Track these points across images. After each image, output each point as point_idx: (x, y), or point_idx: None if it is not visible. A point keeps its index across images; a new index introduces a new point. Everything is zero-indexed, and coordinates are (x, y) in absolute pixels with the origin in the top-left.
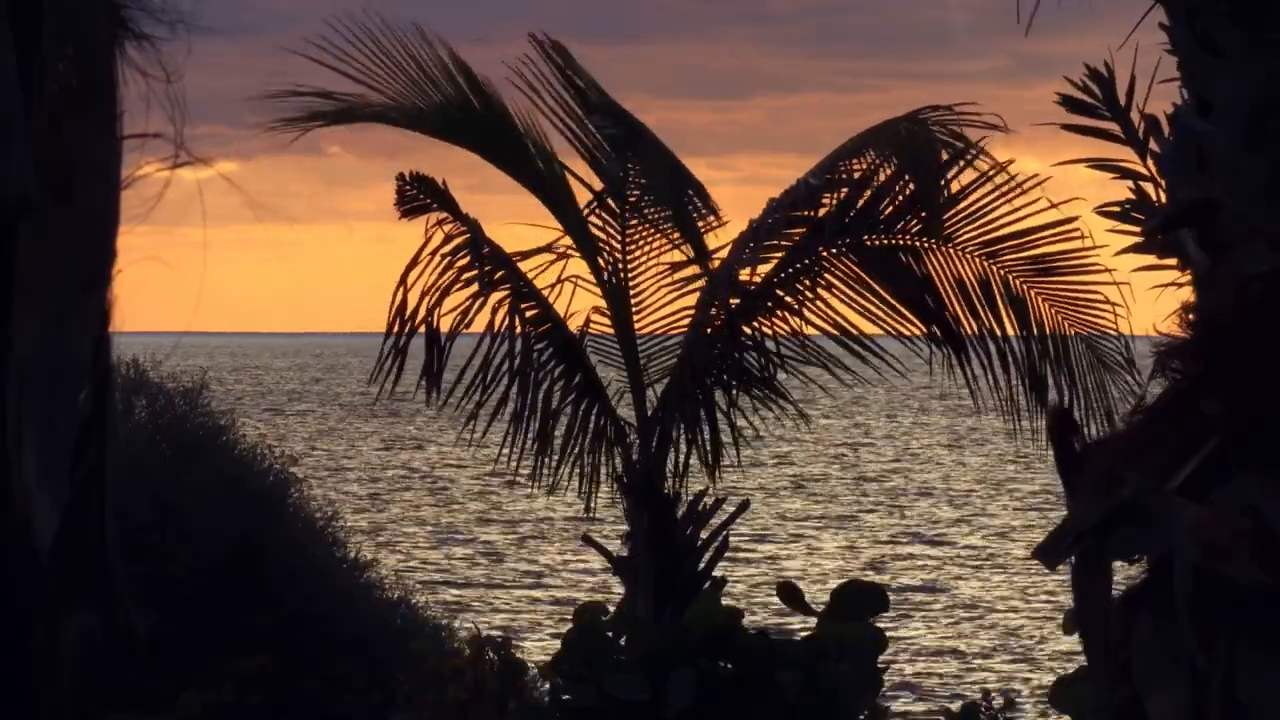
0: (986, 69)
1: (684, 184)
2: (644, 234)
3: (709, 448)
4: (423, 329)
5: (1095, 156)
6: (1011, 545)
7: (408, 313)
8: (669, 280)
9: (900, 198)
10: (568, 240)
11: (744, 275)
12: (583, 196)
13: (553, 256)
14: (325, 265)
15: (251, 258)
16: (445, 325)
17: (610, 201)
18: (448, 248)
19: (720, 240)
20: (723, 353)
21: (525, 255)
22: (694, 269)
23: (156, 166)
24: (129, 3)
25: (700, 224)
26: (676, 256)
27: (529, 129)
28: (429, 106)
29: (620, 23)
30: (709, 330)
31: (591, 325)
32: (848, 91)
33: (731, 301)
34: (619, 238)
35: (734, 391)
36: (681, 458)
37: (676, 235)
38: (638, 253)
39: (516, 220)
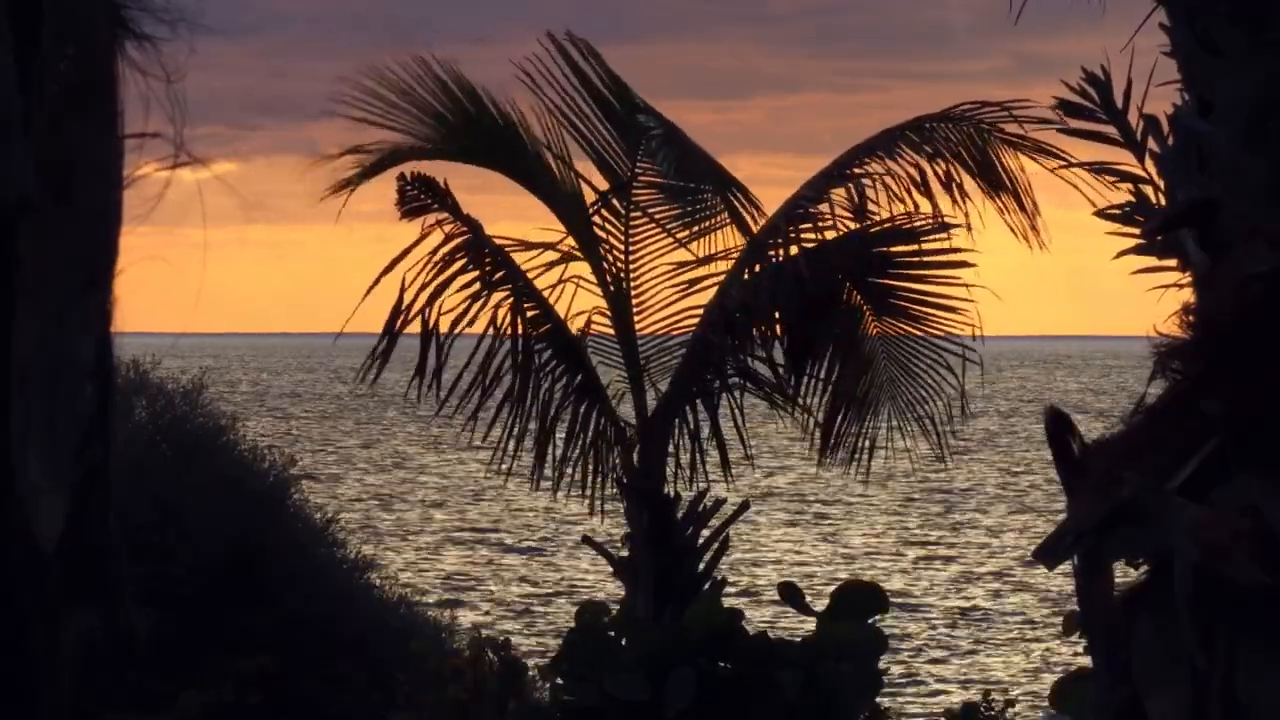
0: (986, 69)
1: (728, 181)
2: (649, 234)
3: (716, 448)
4: (416, 327)
5: (1094, 160)
6: (1014, 546)
7: (402, 309)
8: (674, 281)
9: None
10: (569, 243)
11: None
12: (586, 197)
13: (555, 256)
14: (325, 265)
15: (251, 258)
16: (444, 325)
17: (615, 202)
18: (446, 248)
19: (720, 244)
20: (730, 353)
21: (528, 246)
22: (698, 271)
23: (156, 167)
24: (129, 3)
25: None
26: (681, 257)
27: (535, 133)
28: (450, 136)
29: (620, 23)
30: (719, 330)
31: (592, 326)
32: (847, 91)
33: (729, 300)
34: (622, 238)
35: (740, 393)
36: (684, 458)
37: (683, 234)
38: (641, 253)
39: (516, 221)
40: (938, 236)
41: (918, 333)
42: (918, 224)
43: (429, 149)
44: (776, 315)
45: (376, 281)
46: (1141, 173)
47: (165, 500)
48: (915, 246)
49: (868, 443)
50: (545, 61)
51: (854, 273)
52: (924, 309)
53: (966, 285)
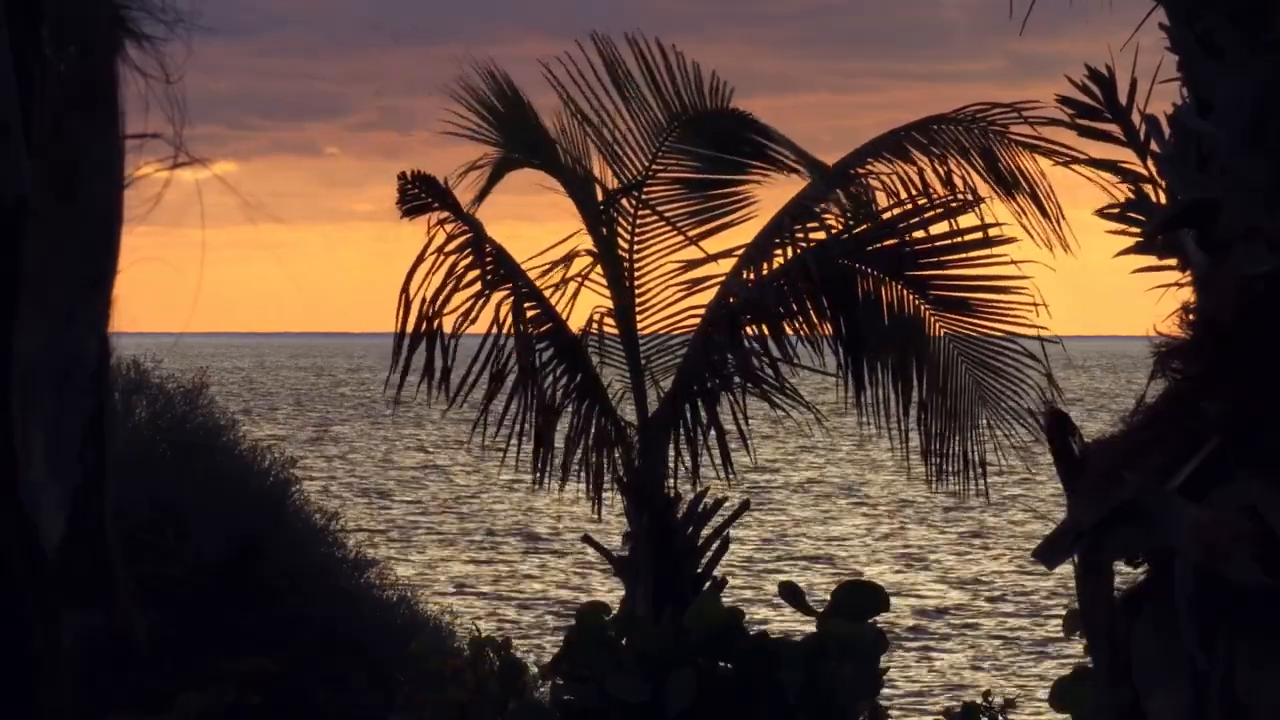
0: (984, 70)
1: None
2: (654, 234)
3: (716, 448)
4: (424, 327)
5: (1097, 158)
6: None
7: (413, 317)
8: (678, 280)
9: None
10: (575, 242)
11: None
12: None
13: (560, 257)
14: (325, 265)
15: (250, 258)
16: (448, 326)
17: (624, 202)
18: (451, 247)
19: (732, 240)
20: (732, 352)
21: (548, 269)
22: (704, 269)
23: (156, 167)
24: (129, 3)
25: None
26: (687, 255)
27: (562, 133)
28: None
29: (618, 24)
30: (721, 329)
31: (593, 325)
32: (845, 92)
33: (731, 299)
34: (628, 237)
35: (741, 393)
36: (684, 458)
37: (693, 231)
38: (646, 253)
39: (517, 221)
40: (962, 215)
41: (981, 324)
42: (938, 209)
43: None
44: (813, 315)
45: (406, 291)
46: (1144, 171)
47: (165, 500)
48: (946, 227)
49: (976, 457)
50: (579, 62)
51: (890, 267)
52: (977, 295)
53: (1015, 262)
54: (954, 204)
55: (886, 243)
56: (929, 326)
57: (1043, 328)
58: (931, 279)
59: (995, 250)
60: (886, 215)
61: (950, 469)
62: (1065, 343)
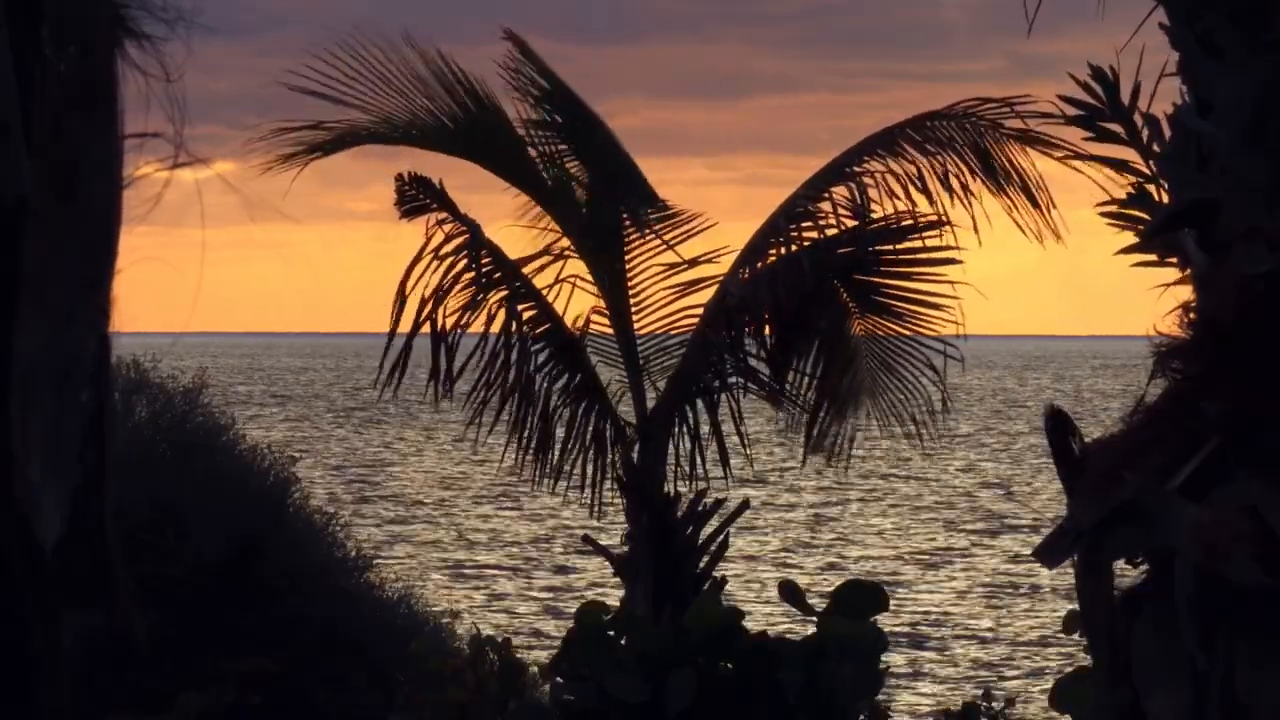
0: (984, 70)
1: (633, 186)
2: (637, 235)
3: (715, 447)
4: (426, 329)
5: (1099, 155)
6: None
7: (411, 315)
8: (672, 281)
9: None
10: (566, 241)
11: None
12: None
13: (551, 257)
14: (325, 265)
15: (250, 258)
16: (449, 326)
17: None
18: (448, 248)
19: (708, 245)
20: (729, 352)
21: (528, 260)
22: (690, 272)
23: (156, 167)
24: (129, 3)
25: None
26: (673, 258)
27: (529, 132)
28: (423, 123)
29: (619, 24)
30: (718, 329)
31: (591, 325)
32: (845, 92)
33: (725, 300)
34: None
35: (739, 392)
36: (684, 457)
37: (669, 236)
38: (637, 253)
39: (512, 221)
40: (930, 234)
41: (901, 330)
42: (907, 222)
43: (397, 134)
44: (766, 313)
45: (404, 288)
46: (1147, 171)
47: (165, 500)
48: (907, 244)
49: (847, 439)
50: (528, 65)
51: (842, 270)
52: (908, 306)
53: (952, 283)
54: (921, 220)
55: (846, 250)
56: (849, 322)
57: (952, 345)
58: (877, 286)
59: (942, 269)
60: (868, 228)
61: (828, 445)
62: (1066, 343)
